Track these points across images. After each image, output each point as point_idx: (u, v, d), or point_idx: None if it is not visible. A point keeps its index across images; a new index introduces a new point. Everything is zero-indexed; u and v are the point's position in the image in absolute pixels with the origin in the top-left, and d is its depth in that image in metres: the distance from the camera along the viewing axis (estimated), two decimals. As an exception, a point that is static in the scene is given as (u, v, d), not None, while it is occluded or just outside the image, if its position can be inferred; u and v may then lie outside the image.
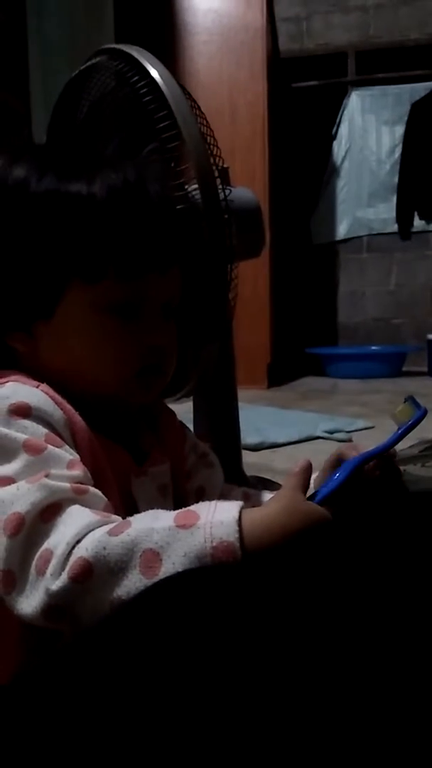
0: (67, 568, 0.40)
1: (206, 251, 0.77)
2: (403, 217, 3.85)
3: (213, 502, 0.43)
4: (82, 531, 0.41)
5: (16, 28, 2.38)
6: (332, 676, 0.33)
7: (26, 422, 0.47)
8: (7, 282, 0.52)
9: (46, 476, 0.44)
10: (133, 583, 0.39)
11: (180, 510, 0.43)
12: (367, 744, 0.31)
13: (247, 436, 1.72)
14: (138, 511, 0.46)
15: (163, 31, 3.06)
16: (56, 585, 0.40)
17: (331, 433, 1.94)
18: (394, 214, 3.87)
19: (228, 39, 3.07)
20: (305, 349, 3.76)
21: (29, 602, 0.41)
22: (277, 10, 3.70)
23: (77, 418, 0.50)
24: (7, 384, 0.49)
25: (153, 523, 0.41)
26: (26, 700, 0.35)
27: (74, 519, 0.42)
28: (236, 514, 0.41)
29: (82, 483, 0.45)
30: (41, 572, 0.41)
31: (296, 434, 1.93)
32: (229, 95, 3.05)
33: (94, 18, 2.62)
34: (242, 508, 0.42)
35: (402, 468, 0.56)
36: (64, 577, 0.40)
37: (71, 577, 0.39)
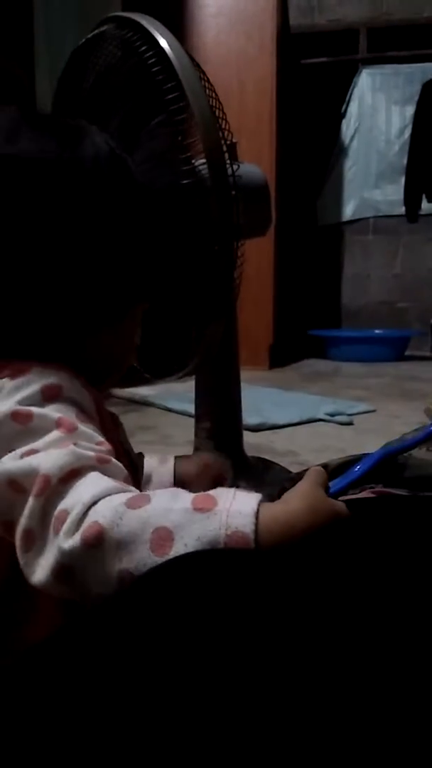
0: (81, 529, 0.40)
1: (213, 228, 0.75)
2: (411, 199, 3.80)
3: (232, 490, 0.43)
4: (99, 494, 0.42)
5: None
6: (340, 665, 0.33)
7: (58, 404, 0.48)
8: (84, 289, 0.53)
9: (74, 444, 0.44)
10: (142, 558, 0.39)
11: (199, 493, 0.43)
12: (374, 735, 0.31)
13: (248, 417, 1.71)
14: None
15: (171, 2, 3.00)
16: (68, 544, 0.40)
17: (333, 415, 1.93)
18: (401, 196, 3.83)
19: (237, 13, 3.01)
20: (308, 331, 3.74)
21: (44, 562, 0.41)
22: (289, -16, 3.64)
23: (99, 396, 0.52)
24: (33, 369, 0.49)
25: (171, 503, 0.41)
26: (30, 678, 0.35)
27: (91, 484, 0.43)
28: (255, 506, 0.41)
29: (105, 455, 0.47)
30: (57, 531, 0.41)
31: (297, 416, 1.92)
32: (237, 70, 3.00)
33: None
34: (261, 501, 0.42)
35: (407, 453, 0.55)
36: (77, 537, 0.40)
37: (83, 538, 0.40)
